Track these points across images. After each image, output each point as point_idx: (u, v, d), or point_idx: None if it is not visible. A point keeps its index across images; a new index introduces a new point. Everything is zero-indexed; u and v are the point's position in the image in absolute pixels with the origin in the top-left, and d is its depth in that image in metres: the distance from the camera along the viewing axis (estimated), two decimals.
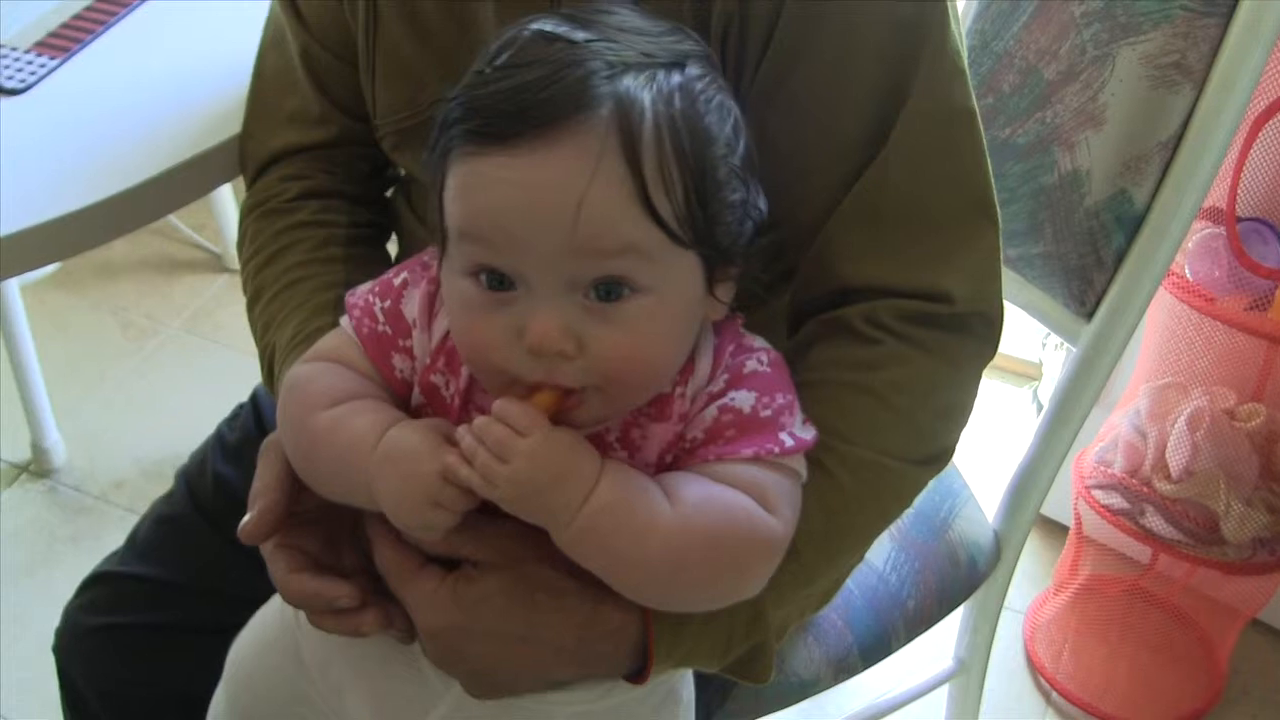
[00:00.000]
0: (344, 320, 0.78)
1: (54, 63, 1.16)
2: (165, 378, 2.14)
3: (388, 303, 0.76)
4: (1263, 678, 1.77)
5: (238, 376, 2.07)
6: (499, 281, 0.67)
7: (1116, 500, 1.58)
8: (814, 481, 0.75)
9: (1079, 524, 1.71)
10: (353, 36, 0.93)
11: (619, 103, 0.64)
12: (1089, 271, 1.07)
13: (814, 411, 0.75)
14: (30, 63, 1.16)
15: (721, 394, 0.71)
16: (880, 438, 0.79)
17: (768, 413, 0.71)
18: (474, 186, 0.66)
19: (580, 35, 0.66)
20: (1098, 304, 1.08)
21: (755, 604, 0.75)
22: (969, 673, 1.37)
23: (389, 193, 1.05)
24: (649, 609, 0.74)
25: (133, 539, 1.08)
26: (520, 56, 0.66)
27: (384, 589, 0.76)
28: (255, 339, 0.94)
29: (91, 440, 2.03)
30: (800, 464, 0.73)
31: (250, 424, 1.11)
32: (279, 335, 0.89)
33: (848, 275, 0.81)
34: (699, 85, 0.68)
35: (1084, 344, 1.10)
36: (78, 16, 1.23)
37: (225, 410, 1.16)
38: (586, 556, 0.69)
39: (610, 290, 0.66)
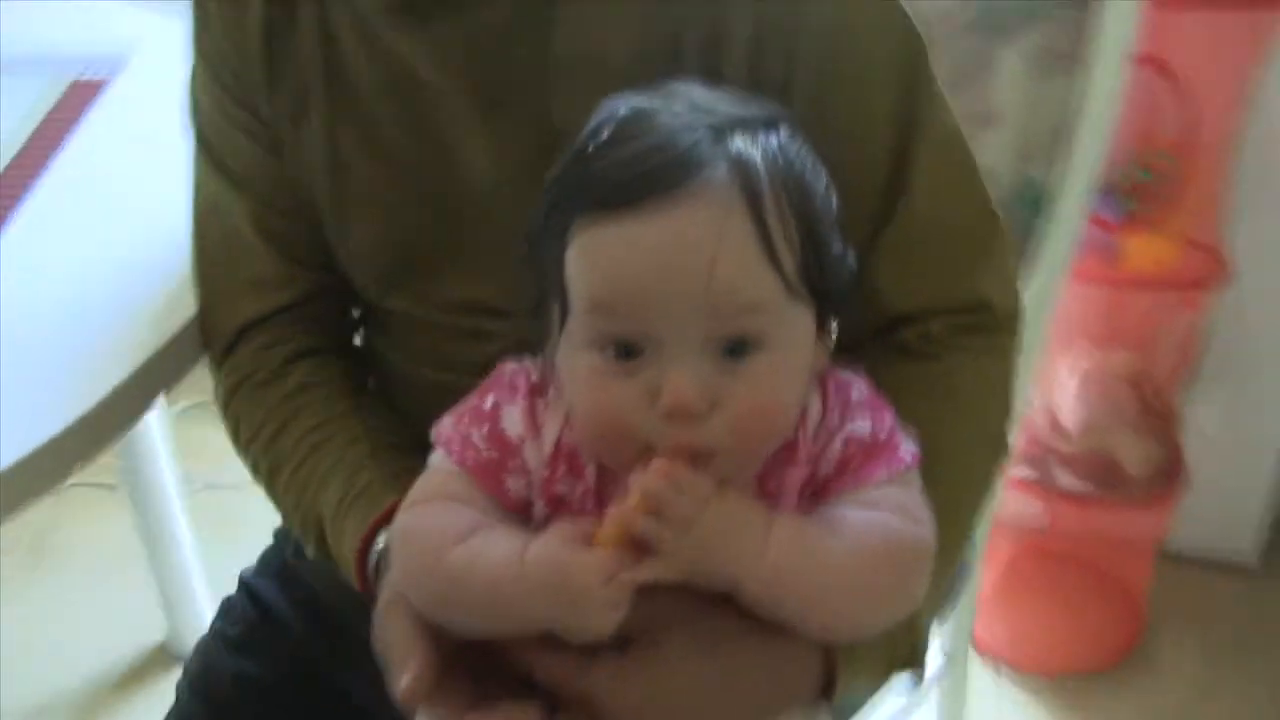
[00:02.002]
0: (435, 457, 0.76)
1: None
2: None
3: (485, 428, 0.75)
4: (1179, 601, 1.91)
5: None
6: (626, 351, 0.67)
7: (1025, 471, 1.67)
8: None
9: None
10: (301, 193, 0.91)
11: (734, 162, 0.66)
12: None
13: None
14: None
15: (840, 427, 0.73)
16: (956, 436, 0.83)
17: (884, 434, 0.73)
18: (603, 255, 0.67)
19: (677, 107, 0.69)
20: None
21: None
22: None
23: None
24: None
25: None
26: (624, 132, 0.68)
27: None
28: (284, 512, 0.91)
29: None
30: (916, 475, 0.75)
31: (250, 613, 1.06)
32: (321, 499, 0.87)
33: (896, 305, 0.85)
34: (794, 145, 0.71)
35: None
36: None
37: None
38: (781, 597, 0.69)
39: (738, 347, 0.67)
